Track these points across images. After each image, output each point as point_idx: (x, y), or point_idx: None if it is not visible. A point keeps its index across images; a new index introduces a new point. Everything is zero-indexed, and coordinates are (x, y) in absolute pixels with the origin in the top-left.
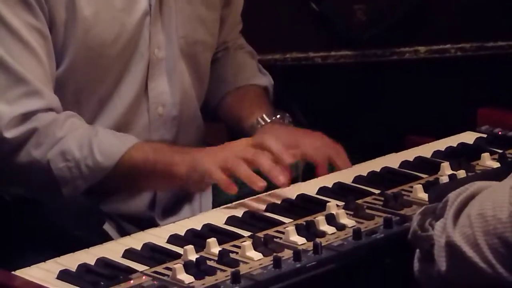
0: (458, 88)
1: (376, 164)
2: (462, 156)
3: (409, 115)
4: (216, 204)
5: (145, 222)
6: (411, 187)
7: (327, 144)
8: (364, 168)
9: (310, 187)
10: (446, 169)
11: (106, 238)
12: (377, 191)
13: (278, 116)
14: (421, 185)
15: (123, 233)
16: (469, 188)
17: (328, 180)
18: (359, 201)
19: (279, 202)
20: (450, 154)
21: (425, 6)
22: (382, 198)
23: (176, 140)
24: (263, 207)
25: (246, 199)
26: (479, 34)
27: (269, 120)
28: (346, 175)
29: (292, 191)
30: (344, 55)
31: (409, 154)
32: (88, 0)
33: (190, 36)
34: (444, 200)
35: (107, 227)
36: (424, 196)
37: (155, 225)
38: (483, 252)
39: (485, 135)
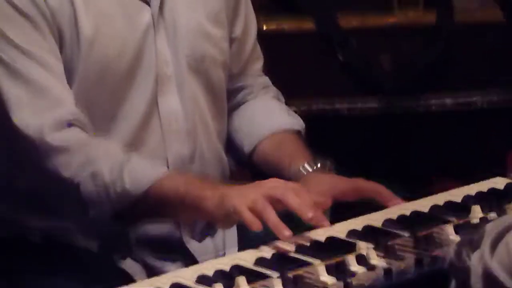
0: (486, 134)
1: (405, 208)
2: (493, 200)
3: (437, 161)
4: (242, 238)
5: (170, 246)
6: (442, 229)
7: (369, 182)
8: (394, 212)
9: (339, 230)
10: (477, 212)
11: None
12: (407, 234)
13: (319, 164)
14: (452, 227)
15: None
16: (507, 219)
17: (357, 223)
18: (390, 243)
19: (308, 243)
20: (481, 198)
21: (450, 55)
22: (413, 240)
23: (194, 157)
24: (293, 248)
25: (275, 241)
26: (505, 83)
27: (311, 169)
28: (376, 219)
29: (321, 234)
30: (370, 105)
31: (439, 199)
32: (89, 17)
33: (197, 52)
34: (481, 231)
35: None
36: (455, 238)
37: (183, 247)
38: None
39: None
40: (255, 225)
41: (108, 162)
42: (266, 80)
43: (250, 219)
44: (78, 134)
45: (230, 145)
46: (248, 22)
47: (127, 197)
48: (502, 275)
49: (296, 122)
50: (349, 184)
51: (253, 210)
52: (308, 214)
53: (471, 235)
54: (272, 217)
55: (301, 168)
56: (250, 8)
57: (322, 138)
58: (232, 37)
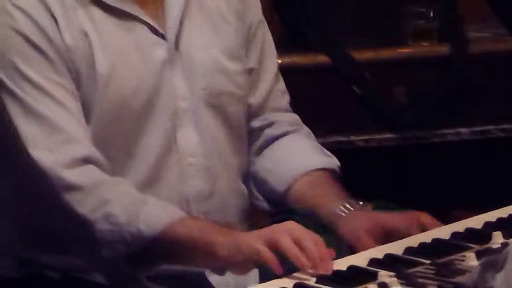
0: (503, 162)
1: (426, 236)
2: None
3: (455, 192)
4: (263, 272)
5: (191, 281)
6: (463, 256)
7: (415, 214)
8: (414, 240)
9: (360, 259)
10: (498, 238)
11: None
12: (428, 261)
13: (361, 203)
14: (473, 254)
15: None
16: None
17: (378, 252)
18: (411, 271)
19: (329, 273)
20: (501, 225)
21: (465, 87)
22: (434, 267)
23: (214, 192)
24: (314, 279)
25: (295, 273)
26: None
27: (352, 208)
28: (396, 248)
29: (342, 263)
30: (385, 138)
31: (460, 226)
32: (105, 55)
33: (214, 87)
34: (505, 252)
35: None
36: (477, 264)
37: (205, 280)
38: None
39: None
40: (276, 268)
41: (123, 202)
42: (295, 117)
43: (271, 259)
44: (93, 172)
45: (262, 186)
46: (265, 54)
47: (141, 239)
48: None
49: (330, 161)
50: (393, 221)
51: (269, 244)
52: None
53: (494, 257)
54: (290, 245)
55: (339, 209)
56: (269, 41)
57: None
58: (248, 68)
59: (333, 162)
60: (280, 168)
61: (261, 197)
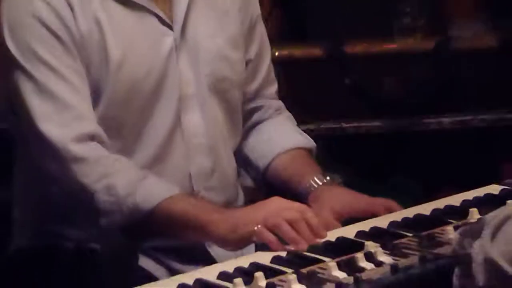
0: (482, 149)
1: (409, 212)
2: (489, 204)
3: (439, 174)
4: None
5: (192, 253)
6: (443, 229)
7: (379, 199)
8: (398, 216)
9: (348, 231)
10: (475, 214)
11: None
12: (411, 234)
13: (328, 178)
14: (452, 228)
15: (168, 269)
16: (505, 209)
17: (365, 226)
18: (395, 242)
19: (320, 243)
20: (478, 202)
21: (447, 79)
22: (417, 240)
23: (215, 169)
24: (306, 248)
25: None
26: (496, 105)
27: (321, 183)
28: (382, 221)
29: (332, 234)
30: (371, 126)
31: (440, 203)
32: (117, 42)
33: (217, 74)
34: (482, 221)
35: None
36: (455, 237)
37: (208, 257)
38: None
39: (508, 187)
40: (278, 248)
41: (124, 177)
42: (280, 103)
43: (273, 241)
44: (98, 148)
45: (247, 164)
46: (262, 47)
47: (137, 212)
48: (502, 262)
49: (307, 141)
50: (363, 203)
51: (271, 228)
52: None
53: (471, 227)
54: (287, 231)
55: (312, 182)
56: (265, 34)
57: (332, 155)
58: (247, 59)
59: (310, 142)
60: (262, 146)
61: (244, 173)
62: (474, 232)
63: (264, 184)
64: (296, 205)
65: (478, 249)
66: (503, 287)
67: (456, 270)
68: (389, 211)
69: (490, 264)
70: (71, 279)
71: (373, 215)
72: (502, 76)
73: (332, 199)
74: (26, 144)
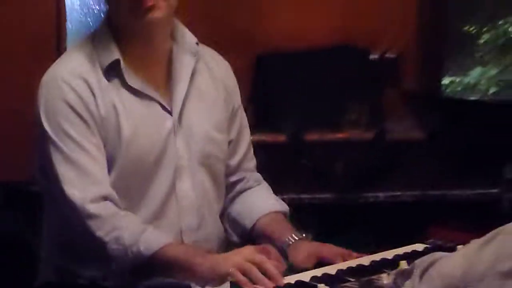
0: (409, 216)
1: (352, 263)
2: (414, 257)
3: (376, 237)
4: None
5: None
6: (380, 276)
7: (339, 249)
8: (344, 265)
9: (304, 276)
10: (404, 265)
11: None
12: (354, 279)
13: (302, 235)
14: (387, 275)
15: None
16: (430, 256)
17: (317, 272)
18: (341, 285)
19: (282, 286)
20: (406, 256)
21: (384, 164)
22: (358, 284)
23: (201, 227)
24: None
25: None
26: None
27: (296, 239)
28: (331, 269)
29: (292, 279)
30: (325, 198)
31: (377, 257)
32: (128, 124)
33: (205, 151)
34: (412, 265)
35: None
36: (389, 283)
37: None
38: None
39: (430, 245)
40: (247, 285)
41: (129, 230)
42: (258, 175)
43: (244, 281)
44: (110, 207)
45: (235, 225)
46: (241, 130)
47: (140, 257)
48: None
49: (282, 206)
50: (325, 252)
51: (242, 272)
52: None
53: (404, 269)
54: (257, 274)
55: (290, 238)
56: (244, 120)
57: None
58: (229, 139)
59: (284, 207)
60: (247, 211)
61: (232, 232)
62: (406, 273)
63: (249, 240)
64: (260, 247)
65: (409, 287)
66: None
67: None
68: (346, 258)
69: None
70: None
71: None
72: (427, 161)
73: (303, 249)
74: (53, 201)
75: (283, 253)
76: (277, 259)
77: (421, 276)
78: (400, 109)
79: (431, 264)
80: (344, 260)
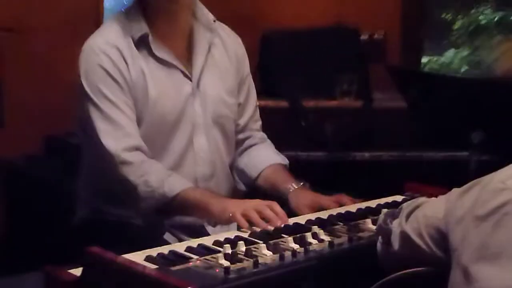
0: (390, 173)
1: (342, 209)
2: (394, 206)
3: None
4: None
5: (196, 229)
6: (364, 221)
7: (333, 196)
8: (335, 211)
9: (301, 219)
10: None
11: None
12: (342, 223)
13: (302, 183)
14: (370, 221)
15: (180, 240)
16: (416, 201)
17: (312, 217)
18: (332, 227)
19: (282, 226)
20: (387, 205)
21: (370, 128)
22: (346, 227)
23: (214, 176)
24: (271, 228)
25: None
26: (403, 146)
27: (296, 187)
28: (323, 214)
29: (291, 221)
30: (319, 155)
31: (362, 205)
32: (154, 87)
33: (218, 112)
34: (400, 207)
35: (167, 237)
36: (372, 227)
37: (204, 233)
38: (424, 238)
39: (407, 197)
40: (244, 225)
41: (156, 175)
42: (263, 134)
43: (241, 221)
44: (140, 155)
45: (242, 174)
46: (249, 95)
47: (164, 198)
48: (412, 235)
49: (283, 159)
50: (322, 200)
51: (243, 214)
52: (276, 224)
53: (392, 210)
54: (255, 217)
55: (290, 186)
56: (252, 86)
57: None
58: (238, 102)
59: (285, 160)
60: (253, 163)
61: (239, 181)
62: (394, 214)
63: (254, 187)
64: (267, 202)
65: (396, 226)
66: (411, 251)
67: (379, 239)
68: (341, 203)
69: (404, 236)
70: (116, 242)
71: (328, 208)
72: (406, 127)
73: (304, 197)
74: (89, 152)
75: (285, 198)
76: (279, 211)
77: (407, 217)
78: (384, 82)
79: (417, 207)
80: (341, 204)
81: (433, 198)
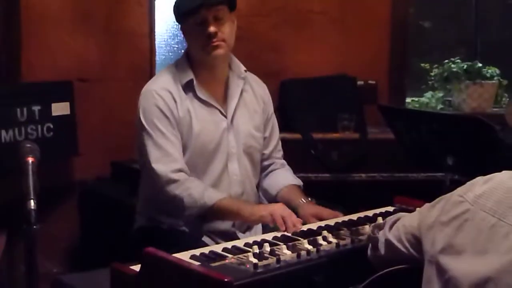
0: (384, 190)
1: (345, 218)
2: (387, 215)
3: (362, 204)
4: (265, 230)
5: (229, 234)
6: (363, 227)
7: (333, 212)
8: (340, 219)
9: (313, 226)
10: (379, 221)
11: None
12: (346, 228)
13: (309, 199)
14: (368, 226)
15: (216, 243)
16: (396, 215)
17: (322, 224)
18: (338, 231)
19: (298, 231)
20: (381, 214)
21: (366, 155)
22: (349, 231)
23: (244, 193)
24: (290, 232)
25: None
26: (392, 169)
27: (305, 201)
28: (331, 222)
29: (305, 227)
30: (326, 176)
31: (362, 214)
32: (197, 123)
33: (248, 144)
34: (384, 220)
35: (206, 240)
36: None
37: (236, 237)
38: (404, 243)
39: (396, 207)
40: (271, 223)
41: (197, 189)
42: (283, 162)
43: (270, 221)
44: (184, 175)
45: (265, 192)
46: (273, 129)
47: (204, 207)
48: (394, 241)
49: (298, 181)
50: (325, 213)
51: (270, 215)
52: (289, 231)
53: (378, 223)
54: (279, 220)
55: (300, 201)
56: (275, 123)
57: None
58: (264, 136)
59: (299, 181)
60: (274, 184)
61: (263, 198)
62: (380, 226)
63: (274, 202)
64: (290, 212)
65: (382, 235)
66: (393, 254)
67: (370, 246)
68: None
69: (388, 243)
70: (166, 244)
71: (327, 218)
72: (394, 153)
73: (309, 208)
74: (145, 173)
75: (296, 210)
76: (296, 219)
77: (390, 227)
78: (377, 119)
79: (397, 219)
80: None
81: (408, 213)
